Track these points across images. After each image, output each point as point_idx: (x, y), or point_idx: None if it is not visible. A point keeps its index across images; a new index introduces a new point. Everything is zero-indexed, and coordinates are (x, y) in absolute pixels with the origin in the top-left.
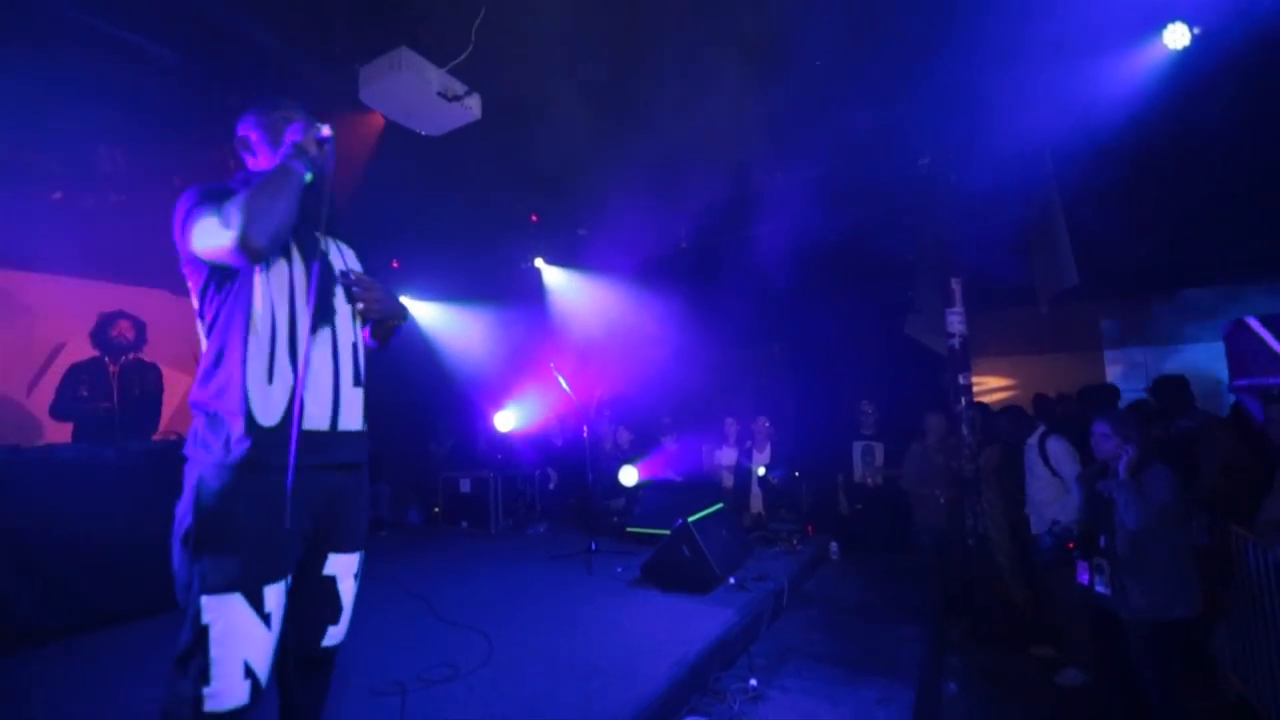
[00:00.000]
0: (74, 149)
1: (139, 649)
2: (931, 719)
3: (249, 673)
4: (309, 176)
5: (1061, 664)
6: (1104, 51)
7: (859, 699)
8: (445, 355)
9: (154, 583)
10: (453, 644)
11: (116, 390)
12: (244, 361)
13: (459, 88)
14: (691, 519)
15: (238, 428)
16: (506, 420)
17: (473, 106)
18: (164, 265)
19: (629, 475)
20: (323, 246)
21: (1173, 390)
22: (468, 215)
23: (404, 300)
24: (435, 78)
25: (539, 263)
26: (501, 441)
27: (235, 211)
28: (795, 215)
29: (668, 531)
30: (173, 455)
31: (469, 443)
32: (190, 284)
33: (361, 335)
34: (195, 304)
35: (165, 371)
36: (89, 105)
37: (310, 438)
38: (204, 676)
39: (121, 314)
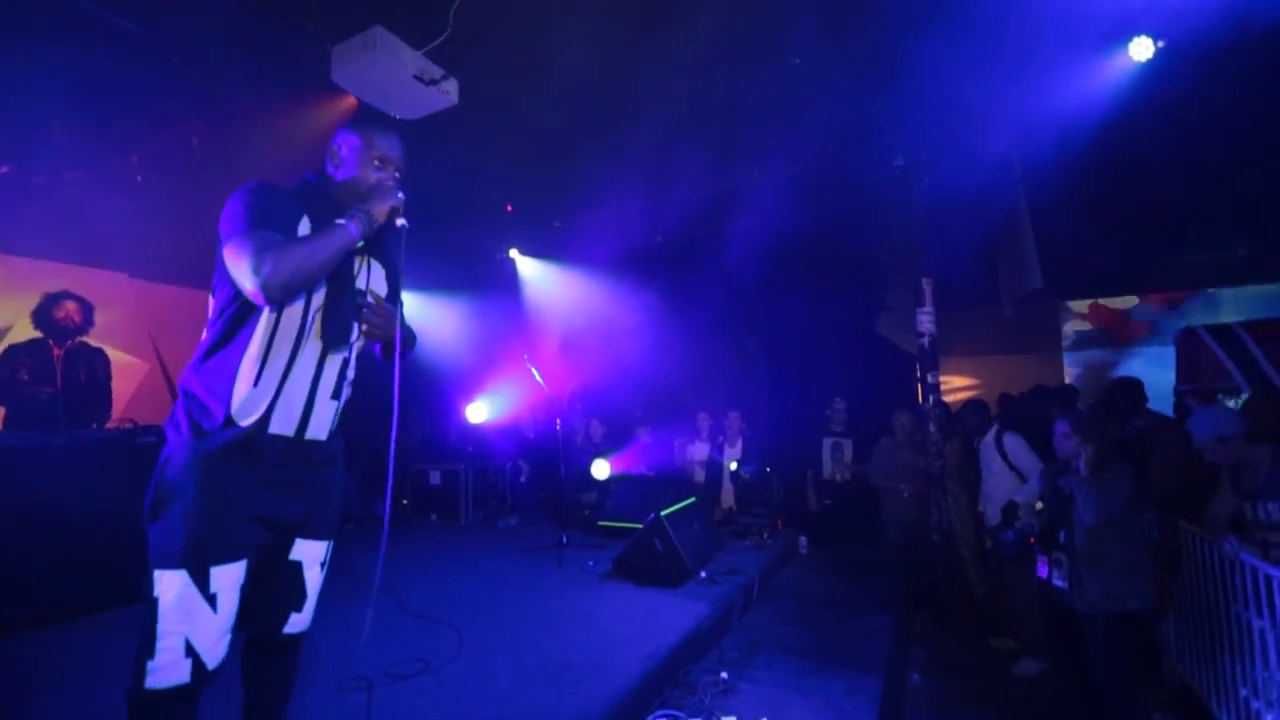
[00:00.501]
0: (25, 122)
1: (90, 644)
2: (897, 709)
3: (190, 651)
4: (361, 243)
5: (1019, 654)
6: (1072, 62)
7: (828, 690)
8: (417, 347)
9: (106, 575)
10: (422, 638)
11: (60, 375)
12: (240, 360)
13: (436, 72)
14: (664, 513)
15: (213, 417)
16: (478, 412)
17: (450, 91)
18: (121, 245)
19: (601, 469)
20: (354, 267)
21: (1128, 391)
22: (440, 202)
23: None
24: (411, 60)
25: (513, 253)
26: (473, 433)
27: (269, 262)
28: (770, 211)
29: (640, 525)
30: (126, 444)
31: (439, 434)
32: (216, 266)
33: (354, 350)
34: (214, 283)
35: (116, 357)
36: (43, 76)
37: (274, 441)
38: (149, 650)
39: (67, 294)
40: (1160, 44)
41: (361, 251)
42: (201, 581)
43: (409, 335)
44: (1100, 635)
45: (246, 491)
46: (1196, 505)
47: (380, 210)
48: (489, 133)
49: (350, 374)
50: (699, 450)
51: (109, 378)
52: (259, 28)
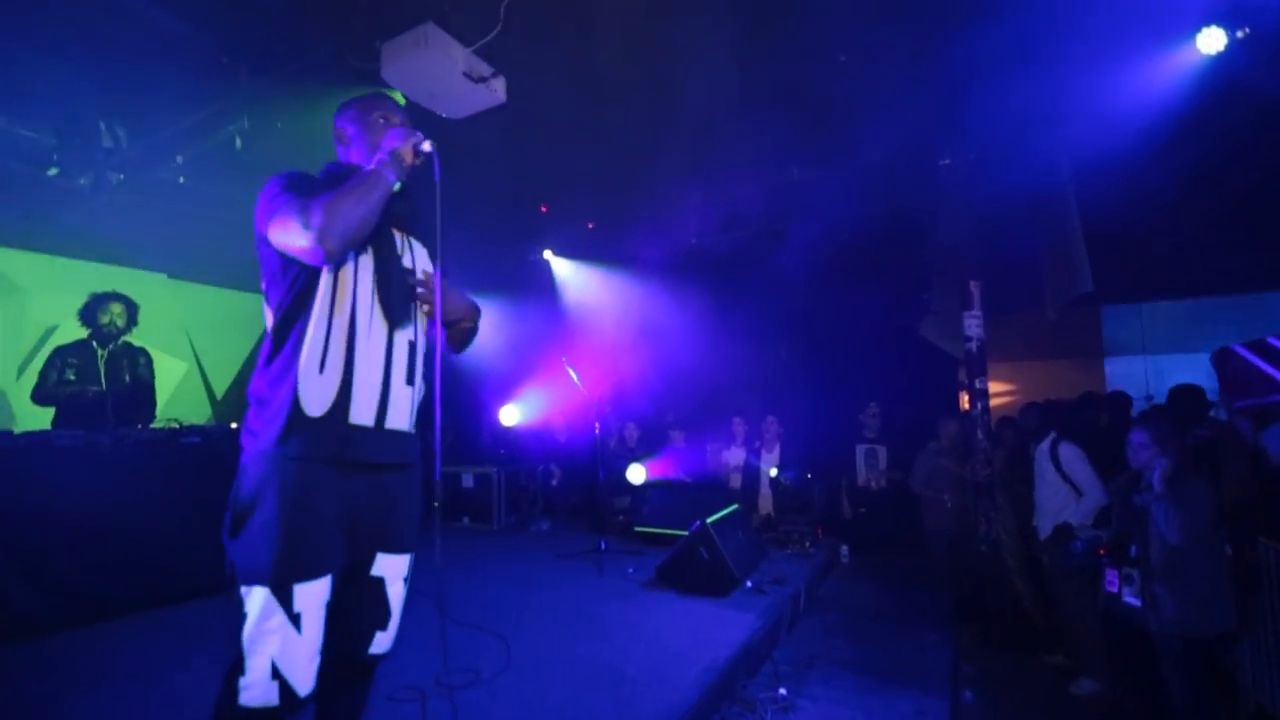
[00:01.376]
0: (73, 123)
1: (137, 642)
2: None
3: (276, 674)
4: (398, 185)
5: (1074, 672)
6: (1132, 56)
7: (893, 711)
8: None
9: (151, 574)
10: (469, 647)
11: (105, 375)
12: (300, 352)
13: (485, 69)
14: (710, 520)
15: (283, 416)
16: (512, 415)
17: (498, 89)
18: (161, 246)
19: (637, 473)
20: (398, 247)
21: (1191, 400)
22: (474, 202)
23: None
24: (461, 57)
25: (547, 254)
26: (505, 436)
27: (318, 213)
28: (811, 213)
29: (677, 531)
30: (172, 444)
31: (471, 436)
32: (262, 269)
33: (424, 335)
34: (264, 289)
35: (156, 357)
36: (90, 77)
37: (355, 432)
38: (240, 666)
39: (115, 296)
40: (1241, 34)
41: (400, 227)
42: (285, 600)
43: (472, 307)
44: (1179, 660)
45: (329, 497)
46: (1270, 519)
47: (404, 149)
48: (528, 132)
49: (420, 359)
50: (734, 455)
51: (152, 376)
52: (308, 26)
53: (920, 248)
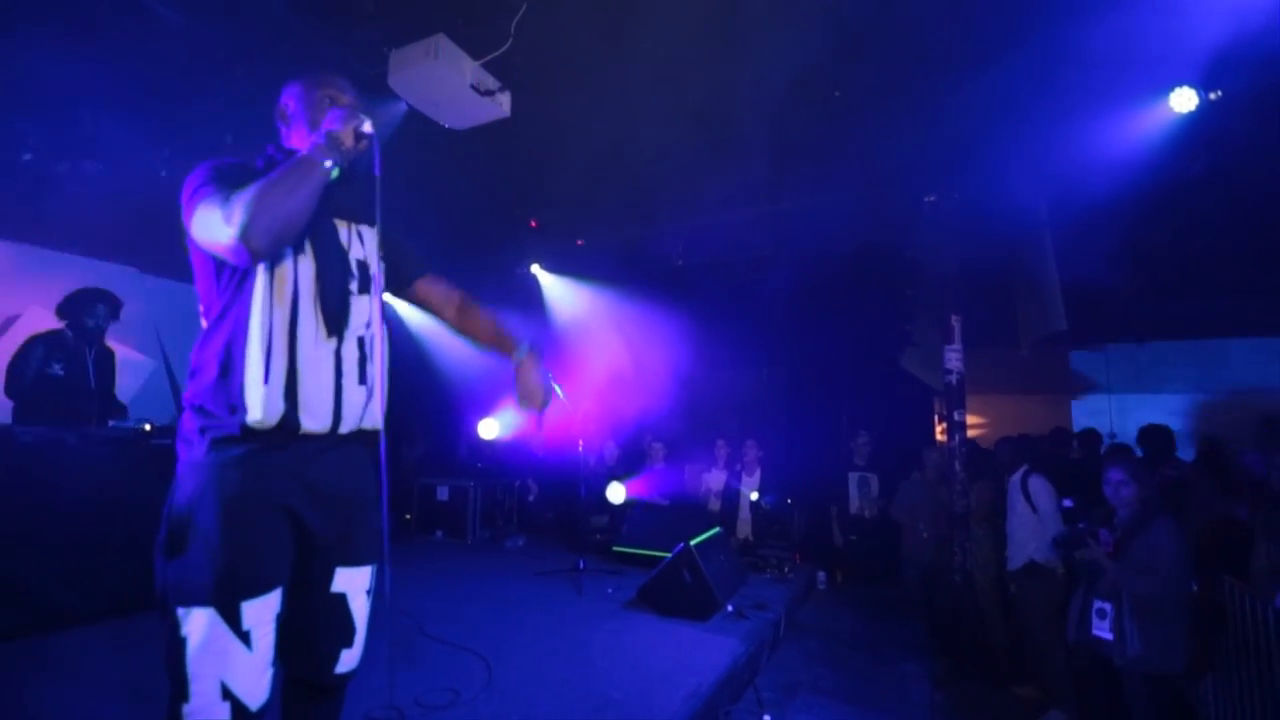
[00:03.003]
0: (53, 107)
1: (96, 653)
2: None
3: (227, 694)
4: (336, 172)
5: (1044, 704)
6: (1108, 111)
7: None
8: (431, 357)
9: (114, 581)
10: (448, 666)
11: (93, 372)
12: (241, 357)
13: (492, 83)
14: (694, 543)
15: (225, 425)
16: (490, 428)
17: (503, 103)
18: (136, 239)
19: (617, 493)
20: (342, 239)
21: (1159, 439)
22: (463, 213)
23: (386, 297)
24: (469, 70)
25: (535, 269)
26: (483, 449)
27: (240, 207)
28: (799, 242)
29: (656, 552)
30: (141, 445)
31: (448, 449)
32: (194, 268)
33: (378, 329)
34: (197, 291)
35: (124, 353)
36: (75, 61)
37: (306, 440)
38: (182, 693)
39: (100, 295)
40: (1214, 95)
41: (345, 215)
42: (233, 619)
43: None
44: (1145, 696)
45: (277, 508)
46: (1235, 559)
47: (343, 132)
48: (523, 147)
49: (372, 355)
50: (716, 478)
51: (113, 373)
52: (312, 28)
53: (904, 281)
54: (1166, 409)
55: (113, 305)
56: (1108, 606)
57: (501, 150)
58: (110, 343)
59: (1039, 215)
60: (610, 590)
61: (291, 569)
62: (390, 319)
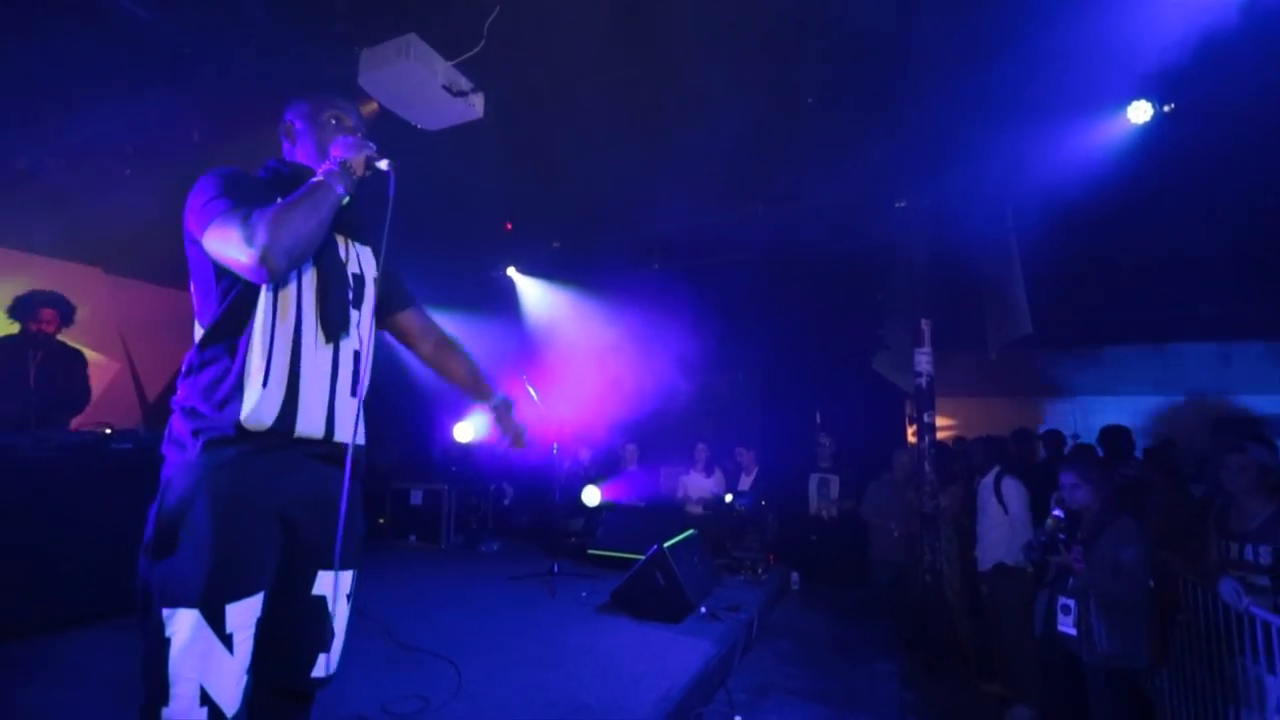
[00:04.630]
0: (15, 103)
1: (45, 664)
2: None
3: (205, 699)
4: (347, 199)
5: (1010, 701)
6: (1072, 121)
7: None
8: (402, 360)
9: (72, 588)
10: (417, 672)
11: (34, 374)
12: (242, 364)
13: (465, 84)
14: (667, 545)
15: (220, 426)
16: (465, 432)
17: (476, 104)
18: (99, 239)
19: (592, 495)
20: (342, 254)
21: (1117, 439)
22: (438, 215)
23: None
24: (442, 70)
25: (511, 271)
26: (458, 453)
27: (262, 229)
28: (773, 245)
29: (631, 555)
30: (100, 450)
31: (422, 453)
32: (192, 273)
33: (368, 345)
34: (194, 294)
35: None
36: (39, 55)
37: (300, 444)
38: (162, 695)
39: (48, 299)
40: (1168, 108)
41: (344, 232)
42: (217, 621)
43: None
44: (1107, 691)
45: (268, 511)
46: (1190, 555)
47: (355, 160)
48: (499, 149)
49: (364, 369)
50: (694, 481)
51: (86, 378)
52: (282, 25)
53: (876, 284)
54: (1127, 410)
55: (62, 309)
56: (1071, 603)
57: (476, 152)
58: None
59: (1006, 222)
60: (584, 594)
61: (275, 572)
62: None
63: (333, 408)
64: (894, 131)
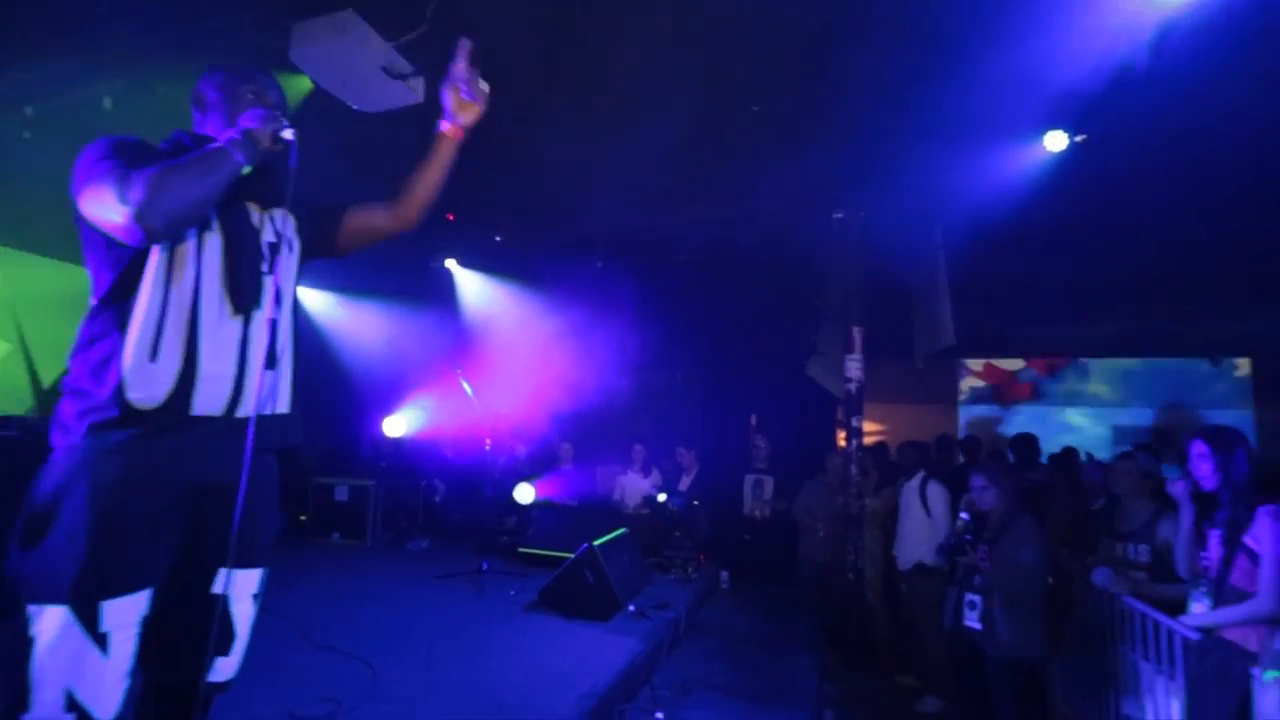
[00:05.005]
0: None
1: None
2: None
3: (73, 705)
4: (248, 169)
5: (922, 692)
6: (996, 145)
7: None
8: (335, 351)
9: None
10: (331, 674)
11: None
12: (125, 337)
13: (405, 67)
14: (597, 543)
15: (104, 406)
16: (397, 425)
17: (417, 89)
18: None
19: (525, 493)
20: (255, 221)
21: (1025, 446)
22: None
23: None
24: (381, 51)
25: (451, 264)
26: (389, 448)
27: (139, 186)
28: (715, 249)
29: (563, 553)
30: None
31: (350, 447)
32: (83, 242)
33: (288, 312)
34: (87, 265)
35: None
36: None
37: (198, 424)
38: (22, 701)
39: None
40: (1080, 138)
41: (258, 200)
42: (89, 620)
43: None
44: (1003, 679)
45: (154, 497)
46: (1084, 553)
47: (262, 131)
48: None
49: (283, 340)
50: (631, 480)
51: None
52: None
53: (811, 292)
54: (1044, 419)
55: None
56: (977, 599)
57: (417, 138)
58: None
59: (935, 238)
60: (513, 592)
61: (169, 567)
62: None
63: (241, 383)
64: (832, 146)
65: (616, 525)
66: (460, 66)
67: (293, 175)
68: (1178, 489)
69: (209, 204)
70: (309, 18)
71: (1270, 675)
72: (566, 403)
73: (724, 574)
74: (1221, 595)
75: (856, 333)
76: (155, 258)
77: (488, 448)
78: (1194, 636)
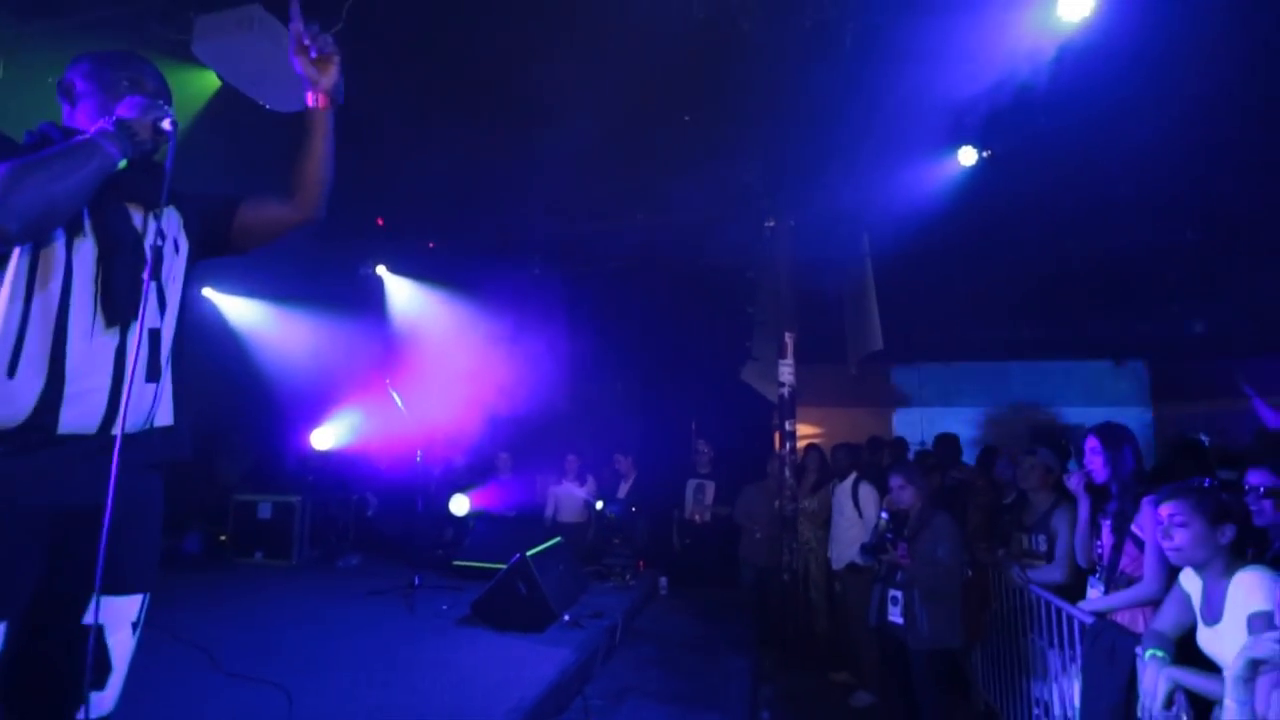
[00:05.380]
0: None
1: None
2: None
3: None
4: (123, 163)
5: (855, 687)
6: (915, 159)
7: None
8: (254, 360)
9: None
10: (240, 703)
11: None
12: None
13: None
14: (530, 553)
15: None
16: (324, 438)
17: None
18: None
19: (460, 504)
20: (135, 223)
21: (948, 446)
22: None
23: (208, 292)
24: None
25: (381, 270)
26: (316, 461)
27: None
28: (646, 256)
29: (498, 565)
30: None
31: (275, 461)
32: None
33: (172, 319)
34: None
35: None
36: None
37: (67, 443)
38: None
39: None
40: (985, 154)
41: (141, 200)
42: None
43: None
44: (925, 669)
45: (19, 523)
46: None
47: (141, 123)
48: (367, 138)
49: (166, 349)
50: (566, 489)
51: None
52: None
53: (745, 298)
54: (963, 420)
55: None
56: (899, 594)
57: (340, 140)
58: None
59: (861, 246)
60: (445, 607)
61: (33, 596)
62: (212, 319)
63: (117, 398)
64: (760, 156)
65: (553, 535)
66: (297, 25)
67: (169, 172)
68: (1072, 482)
69: (76, 203)
70: (214, 11)
71: (1149, 653)
72: (502, 411)
73: (663, 580)
74: (1113, 581)
75: (789, 338)
76: (15, 263)
77: (419, 459)
78: (1089, 620)
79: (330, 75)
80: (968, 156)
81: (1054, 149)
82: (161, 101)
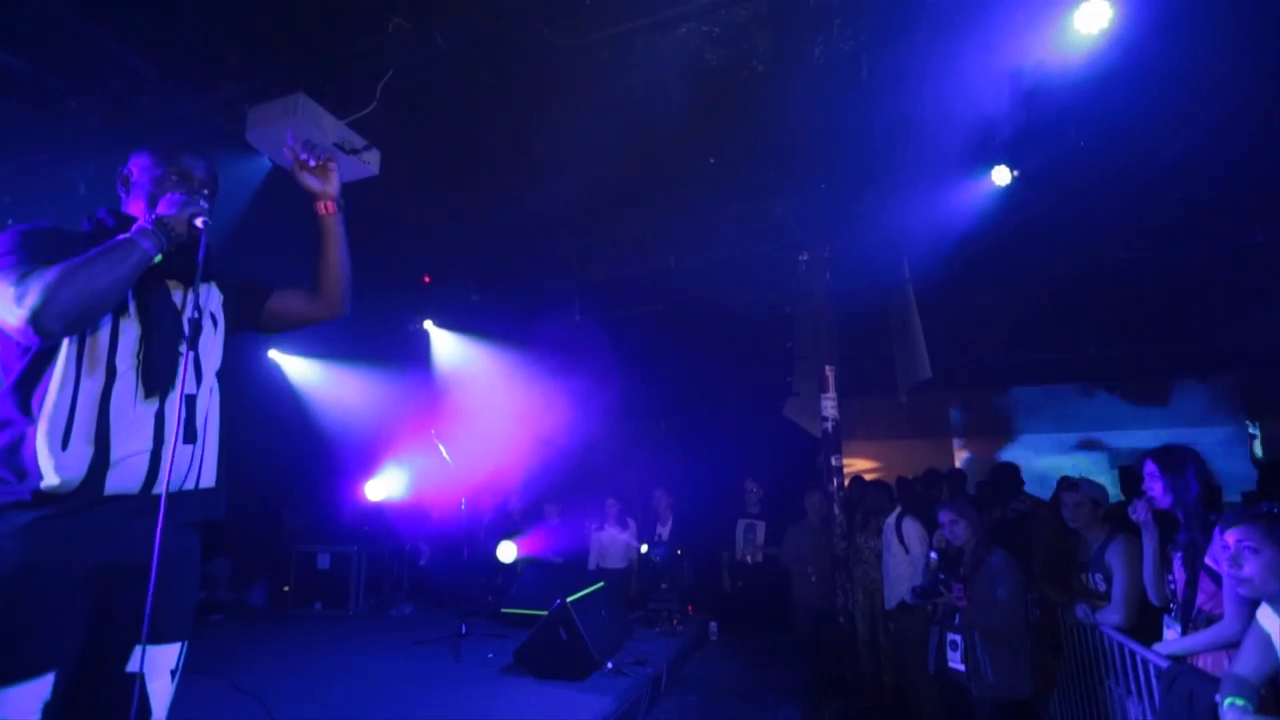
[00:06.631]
0: None
1: None
2: None
3: None
4: (159, 258)
5: None
6: (950, 182)
7: None
8: (313, 416)
9: None
10: None
11: None
12: (34, 423)
13: (358, 141)
14: (571, 599)
15: (14, 490)
16: (378, 489)
17: (371, 162)
18: None
19: (507, 551)
20: (175, 300)
21: (1007, 476)
22: (353, 266)
23: (273, 354)
24: (332, 128)
25: (428, 325)
26: (371, 512)
27: (35, 290)
28: (684, 299)
29: (544, 612)
30: None
31: (333, 513)
32: None
33: (210, 385)
34: None
35: None
36: None
37: (113, 503)
38: None
39: None
40: (1016, 173)
41: (180, 277)
42: None
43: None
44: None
45: (68, 579)
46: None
47: (178, 220)
48: (410, 203)
49: (204, 414)
50: (609, 535)
51: None
52: (170, 80)
53: (784, 333)
54: (1036, 446)
55: None
56: (958, 639)
57: (387, 205)
58: None
59: (902, 272)
60: (490, 655)
61: (80, 647)
62: (276, 380)
63: (157, 460)
64: (790, 192)
65: (598, 579)
66: (294, 146)
67: (200, 265)
68: (1138, 513)
69: (116, 297)
70: (263, 101)
71: (1228, 701)
72: (547, 457)
73: (713, 625)
74: (1190, 620)
75: (829, 371)
76: (66, 348)
77: (463, 507)
78: (1164, 665)
79: (332, 181)
80: (1001, 176)
81: (1092, 162)
82: (199, 198)
